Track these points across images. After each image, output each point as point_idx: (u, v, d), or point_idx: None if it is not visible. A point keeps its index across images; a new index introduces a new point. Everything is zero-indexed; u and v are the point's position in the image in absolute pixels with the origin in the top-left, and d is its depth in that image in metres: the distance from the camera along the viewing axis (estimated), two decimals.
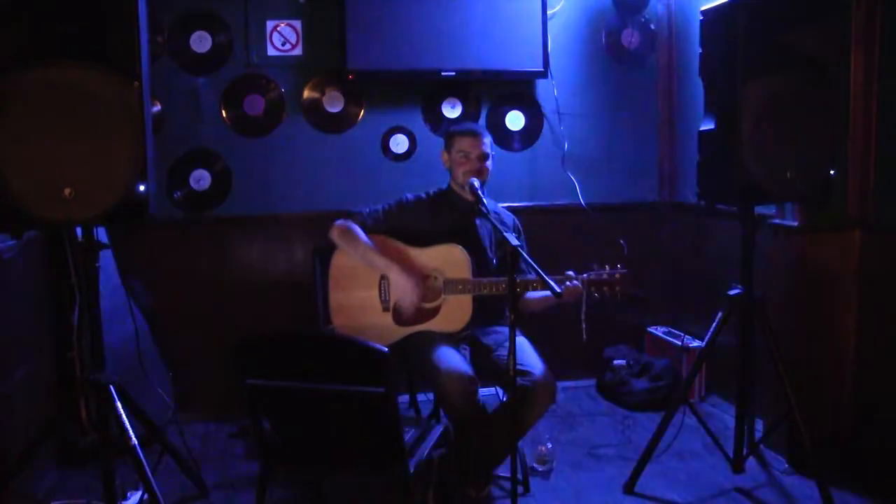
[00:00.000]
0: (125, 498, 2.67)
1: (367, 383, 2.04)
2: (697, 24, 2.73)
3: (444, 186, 3.05)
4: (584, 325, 2.69)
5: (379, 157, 3.80)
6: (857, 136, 2.93)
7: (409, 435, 2.35)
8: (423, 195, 3.03)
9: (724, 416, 3.58)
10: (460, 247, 2.81)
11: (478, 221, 3.00)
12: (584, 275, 2.70)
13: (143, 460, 2.40)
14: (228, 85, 3.63)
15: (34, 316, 3.00)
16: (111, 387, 2.40)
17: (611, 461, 3.16)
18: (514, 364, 2.20)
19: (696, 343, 3.78)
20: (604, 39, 3.98)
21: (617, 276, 2.69)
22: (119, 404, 2.39)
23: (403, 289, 2.78)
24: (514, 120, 3.92)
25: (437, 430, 2.48)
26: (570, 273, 2.70)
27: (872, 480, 2.87)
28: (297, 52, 3.67)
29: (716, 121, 2.65)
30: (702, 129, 2.72)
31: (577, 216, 3.94)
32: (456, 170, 2.94)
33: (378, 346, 2.03)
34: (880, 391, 2.98)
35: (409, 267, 2.81)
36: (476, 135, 2.92)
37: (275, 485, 2.92)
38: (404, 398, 3.22)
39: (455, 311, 2.81)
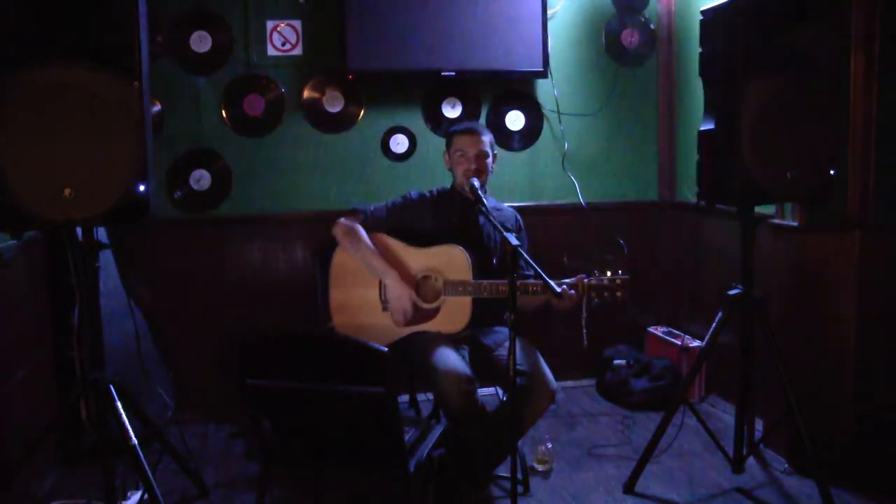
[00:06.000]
0: (125, 498, 2.67)
1: (367, 383, 2.04)
2: (697, 24, 2.73)
3: (448, 186, 3.05)
4: (584, 331, 2.69)
5: (379, 157, 3.80)
6: (857, 135, 2.93)
7: (409, 435, 2.35)
8: (427, 193, 3.03)
9: (724, 416, 3.58)
10: (460, 248, 2.81)
11: (481, 220, 2.99)
12: (585, 279, 2.68)
13: (143, 460, 2.40)
14: (228, 85, 3.63)
15: (34, 316, 3.00)
16: (111, 387, 2.40)
17: (611, 461, 3.16)
18: (514, 364, 2.20)
19: (696, 343, 3.78)
20: (604, 39, 3.97)
21: (618, 281, 2.68)
22: (119, 404, 2.39)
23: (397, 297, 2.78)
24: (514, 120, 3.92)
25: (437, 430, 2.48)
26: (570, 280, 2.69)
27: (872, 480, 2.87)
28: (297, 52, 3.66)
29: (716, 121, 2.65)
30: (702, 129, 2.72)
31: (577, 216, 3.94)
32: (455, 169, 2.94)
33: (377, 345, 2.03)
34: (880, 391, 2.98)
35: (405, 275, 2.80)
36: (474, 133, 2.92)
37: (275, 485, 2.92)
38: (404, 398, 3.22)
39: (455, 312, 2.81)
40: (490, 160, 2.93)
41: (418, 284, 2.84)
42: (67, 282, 3.08)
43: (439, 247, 2.84)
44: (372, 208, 2.96)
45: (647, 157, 4.10)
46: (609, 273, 2.68)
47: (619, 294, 2.67)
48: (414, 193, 3.02)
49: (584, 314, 2.70)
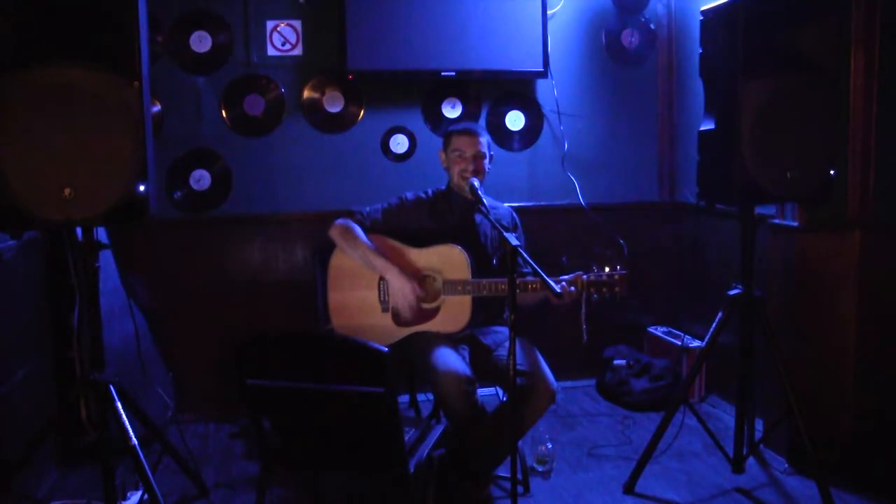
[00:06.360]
0: (125, 498, 2.67)
1: (367, 383, 2.04)
2: (697, 24, 2.73)
3: (444, 186, 3.05)
4: (584, 326, 2.69)
5: (379, 157, 3.81)
6: (857, 136, 2.93)
7: (409, 435, 2.35)
8: (423, 194, 3.03)
9: (724, 416, 3.58)
10: (459, 247, 2.81)
11: (478, 220, 3.00)
12: (584, 276, 2.69)
13: (143, 460, 2.40)
14: (228, 85, 3.63)
15: (34, 316, 3.00)
16: (111, 387, 2.40)
17: (611, 461, 3.16)
18: (514, 364, 2.20)
19: (696, 343, 3.78)
20: (604, 39, 3.98)
21: (616, 277, 2.69)
22: (119, 404, 2.39)
23: (400, 291, 2.78)
24: (514, 120, 3.92)
25: (437, 430, 2.48)
26: (568, 277, 2.70)
27: (872, 480, 2.87)
28: (297, 52, 3.67)
29: (716, 121, 2.65)
30: (702, 129, 2.72)
31: (577, 216, 3.94)
32: (452, 169, 2.94)
33: (378, 345, 2.03)
34: (880, 391, 2.98)
35: (406, 269, 2.80)
36: (472, 134, 2.92)
37: (275, 485, 2.92)
38: (404, 398, 3.22)
39: (454, 312, 2.81)
40: (487, 161, 2.93)
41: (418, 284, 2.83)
42: (67, 282, 3.09)
43: (438, 246, 2.84)
44: (367, 210, 2.95)
45: (647, 157, 4.10)
46: (607, 269, 2.69)
47: (617, 289, 2.67)
48: (409, 194, 3.02)
49: (584, 310, 2.70)
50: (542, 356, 2.77)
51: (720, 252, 3.68)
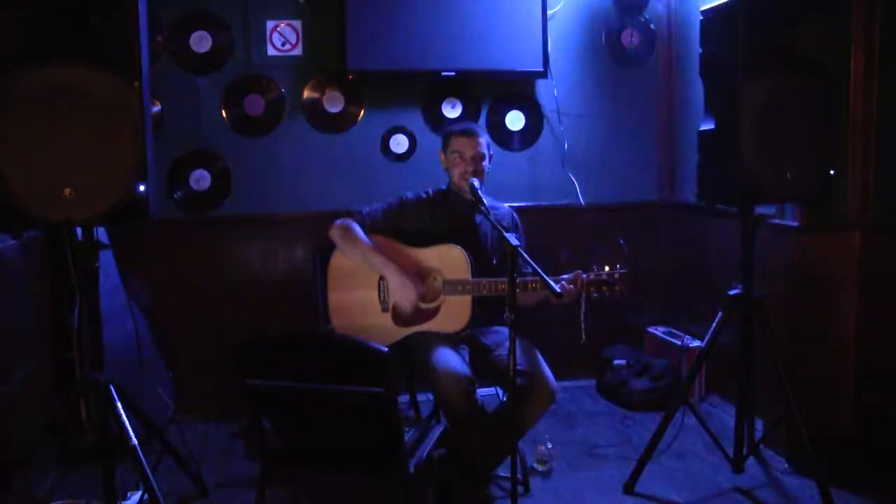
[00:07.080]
0: (125, 498, 2.67)
1: (367, 383, 2.04)
2: (697, 24, 2.73)
3: (444, 186, 3.05)
4: (583, 326, 2.69)
5: (379, 157, 3.81)
6: (857, 136, 2.93)
7: (409, 435, 2.35)
8: (423, 194, 3.03)
9: (724, 416, 3.58)
10: (459, 247, 2.81)
11: (478, 220, 3.00)
12: (584, 275, 2.69)
13: (143, 460, 2.40)
14: (228, 85, 3.63)
15: (34, 316, 3.00)
16: (111, 387, 2.40)
17: (611, 461, 3.16)
18: (514, 364, 2.20)
19: (696, 343, 3.78)
20: (604, 39, 3.98)
21: (616, 276, 2.69)
22: (119, 404, 2.39)
23: (401, 289, 2.77)
24: (514, 120, 3.92)
25: (437, 430, 2.48)
26: (568, 276, 2.70)
27: (872, 480, 2.87)
28: (297, 52, 3.67)
29: (716, 121, 2.65)
30: (702, 129, 2.72)
31: (577, 216, 3.94)
32: (451, 171, 2.94)
33: (378, 346, 2.03)
34: (880, 391, 2.98)
35: (406, 267, 2.80)
36: (471, 135, 2.91)
37: (275, 485, 2.92)
38: (404, 398, 3.22)
39: (454, 312, 2.81)
40: (486, 161, 2.93)
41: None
42: (67, 282, 3.09)
43: (438, 246, 2.84)
44: (367, 210, 2.95)
45: (647, 157, 4.10)
46: (607, 268, 2.69)
47: (617, 288, 2.67)
48: (410, 194, 3.02)
49: (583, 309, 2.70)
50: (542, 356, 2.77)
51: (720, 252, 3.68)
